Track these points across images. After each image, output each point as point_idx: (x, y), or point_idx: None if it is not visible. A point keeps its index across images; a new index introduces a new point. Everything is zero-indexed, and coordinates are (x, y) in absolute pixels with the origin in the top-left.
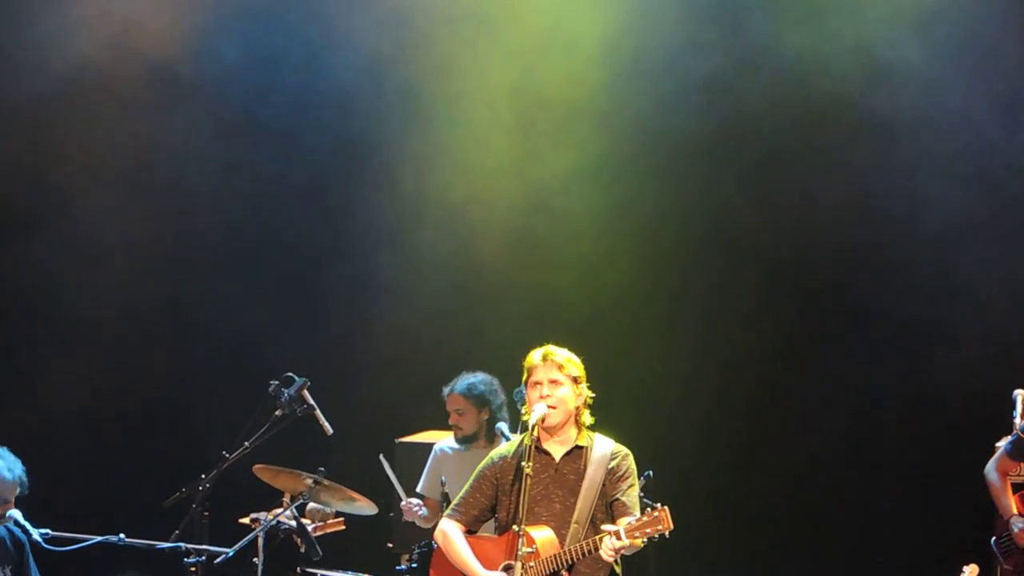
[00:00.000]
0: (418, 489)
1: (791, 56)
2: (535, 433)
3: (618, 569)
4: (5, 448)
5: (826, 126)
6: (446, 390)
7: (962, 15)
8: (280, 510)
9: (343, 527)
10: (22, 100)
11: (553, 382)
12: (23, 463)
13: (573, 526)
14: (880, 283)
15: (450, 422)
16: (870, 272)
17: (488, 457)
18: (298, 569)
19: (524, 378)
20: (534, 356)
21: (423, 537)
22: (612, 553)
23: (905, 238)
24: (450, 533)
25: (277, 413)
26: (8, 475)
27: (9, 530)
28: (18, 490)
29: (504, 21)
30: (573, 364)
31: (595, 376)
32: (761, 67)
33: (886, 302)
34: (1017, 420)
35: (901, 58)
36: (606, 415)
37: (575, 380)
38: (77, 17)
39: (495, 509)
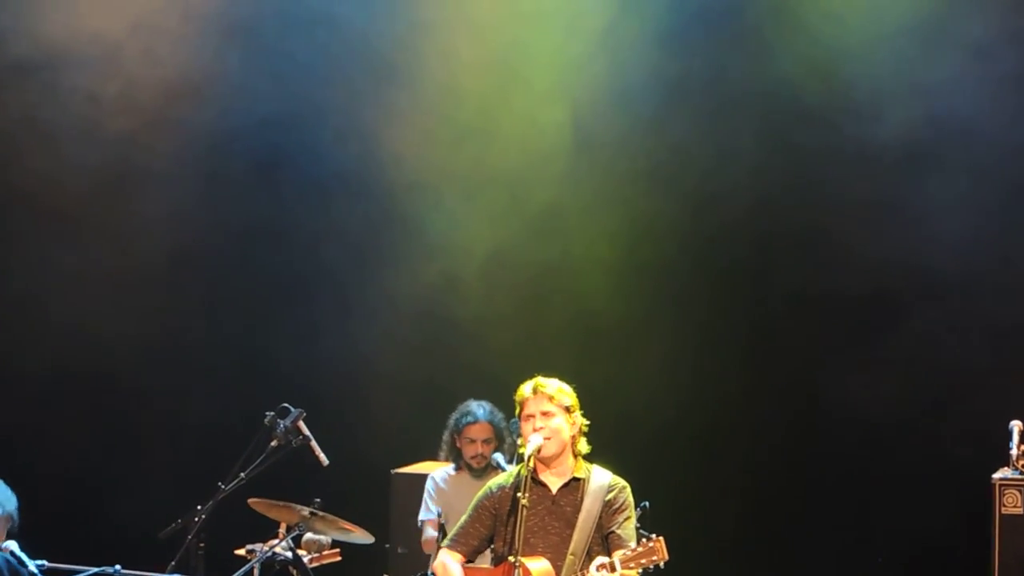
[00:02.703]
0: (421, 517)
1: (780, 83)
2: (531, 464)
3: None
4: (1, 481)
5: (818, 146)
6: (467, 419)
7: None
8: (276, 541)
9: (339, 558)
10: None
11: (545, 414)
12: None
13: (569, 558)
14: (886, 305)
15: (474, 451)
16: (873, 295)
17: (486, 487)
18: None
19: (517, 411)
20: (525, 389)
21: (420, 568)
22: None
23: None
24: (448, 564)
25: (273, 444)
26: None
27: (6, 560)
28: (8, 524)
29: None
30: (564, 394)
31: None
32: (752, 89)
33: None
34: (1014, 451)
35: (894, 83)
36: (599, 441)
37: (567, 409)
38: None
39: (493, 540)
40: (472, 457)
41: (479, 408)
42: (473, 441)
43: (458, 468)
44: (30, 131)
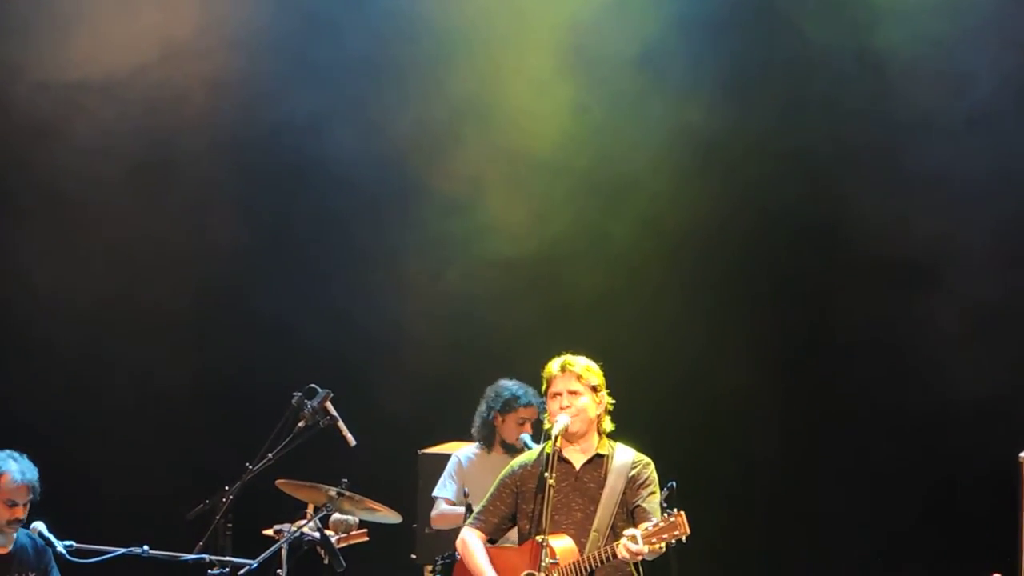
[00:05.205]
0: (436, 492)
1: (800, 54)
2: (558, 444)
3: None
4: (25, 455)
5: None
6: (520, 401)
7: None
8: (303, 521)
9: (367, 538)
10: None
11: (573, 392)
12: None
13: (593, 534)
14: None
15: (521, 432)
16: (899, 267)
17: (509, 466)
18: None
19: (544, 388)
20: (553, 366)
21: (447, 548)
22: (628, 555)
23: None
24: (469, 541)
25: (300, 424)
26: (19, 476)
27: (32, 539)
28: (30, 496)
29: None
30: (592, 373)
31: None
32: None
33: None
34: None
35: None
36: (627, 418)
37: (594, 389)
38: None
39: (516, 518)
40: (518, 438)
41: (534, 394)
42: (523, 422)
43: (489, 448)
44: (61, 132)
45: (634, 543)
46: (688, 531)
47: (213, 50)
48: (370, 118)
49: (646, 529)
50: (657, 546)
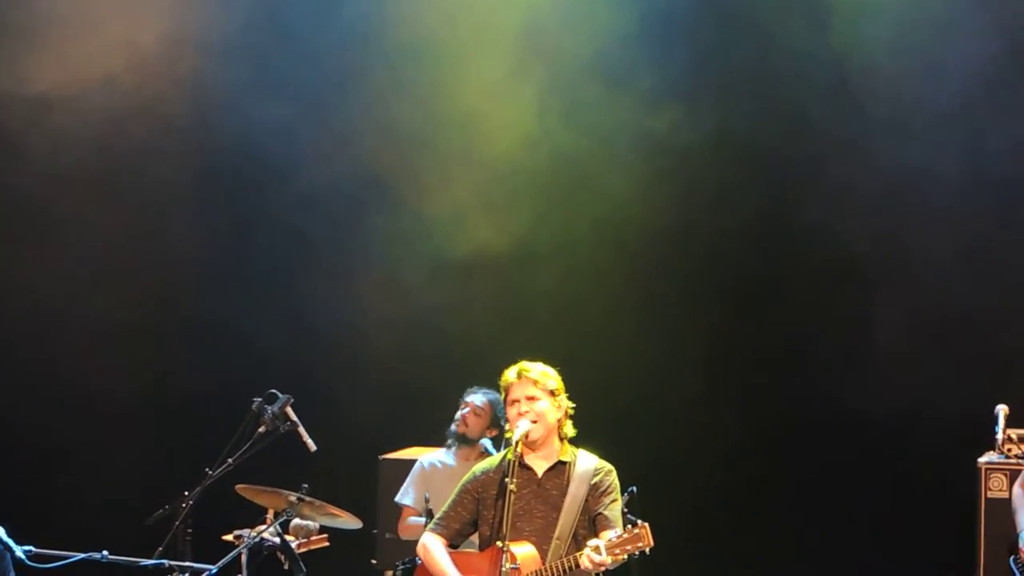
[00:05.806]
0: (398, 499)
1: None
2: (519, 449)
3: None
4: None
5: (804, 136)
6: (470, 390)
7: None
8: (264, 527)
9: (327, 543)
10: None
11: (530, 398)
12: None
13: (555, 542)
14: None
15: (459, 415)
16: (847, 280)
17: (471, 472)
18: None
19: (503, 397)
20: (509, 374)
21: (407, 554)
22: (591, 566)
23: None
24: (431, 547)
25: (260, 430)
26: None
27: None
28: None
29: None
30: (549, 377)
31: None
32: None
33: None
34: (999, 435)
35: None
36: (589, 424)
37: (552, 393)
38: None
39: (477, 524)
40: (456, 421)
41: (486, 392)
42: (464, 407)
43: (458, 446)
44: (24, 140)
45: (597, 554)
46: (652, 543)
47: (178, 59)
48: (331, 125)
49: (610, 540)
50: (621, 557)
